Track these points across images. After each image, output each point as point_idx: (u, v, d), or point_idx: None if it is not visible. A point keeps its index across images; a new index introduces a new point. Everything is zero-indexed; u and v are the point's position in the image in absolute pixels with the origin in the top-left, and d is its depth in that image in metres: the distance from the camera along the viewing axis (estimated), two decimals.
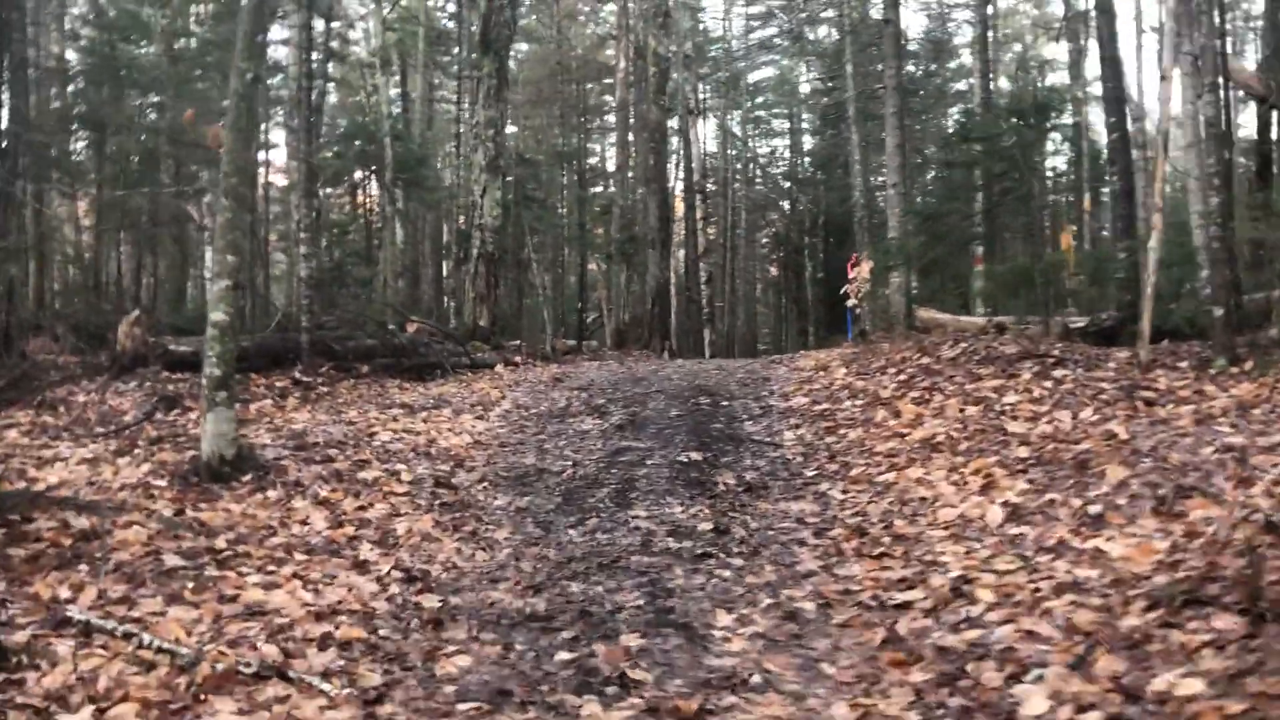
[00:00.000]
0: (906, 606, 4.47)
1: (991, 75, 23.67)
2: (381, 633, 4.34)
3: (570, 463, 7.23)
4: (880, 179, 42.95)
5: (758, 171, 46.41)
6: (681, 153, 30.26)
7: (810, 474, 6.74)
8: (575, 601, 4.68)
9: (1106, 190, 31.97)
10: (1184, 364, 7.59)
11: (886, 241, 13.71)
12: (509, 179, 18.01)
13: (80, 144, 21.77)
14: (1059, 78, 33.37)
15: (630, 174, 27.42)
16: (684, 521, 5.84)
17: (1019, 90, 25.26)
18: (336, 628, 4.36)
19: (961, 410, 7.38)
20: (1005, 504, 5.44)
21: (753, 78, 45.95)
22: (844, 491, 6.30)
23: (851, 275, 13.88)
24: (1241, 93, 15.88)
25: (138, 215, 20.13)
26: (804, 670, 3.94)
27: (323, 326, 17.85)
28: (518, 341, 17.72)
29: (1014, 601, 4.27)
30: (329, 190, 28.96)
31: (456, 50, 29.37)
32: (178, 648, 4.00)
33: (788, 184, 47.16)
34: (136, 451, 7.51)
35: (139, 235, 21.37)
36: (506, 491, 6.63)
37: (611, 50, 30.38)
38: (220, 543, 5.41)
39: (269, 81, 24.16)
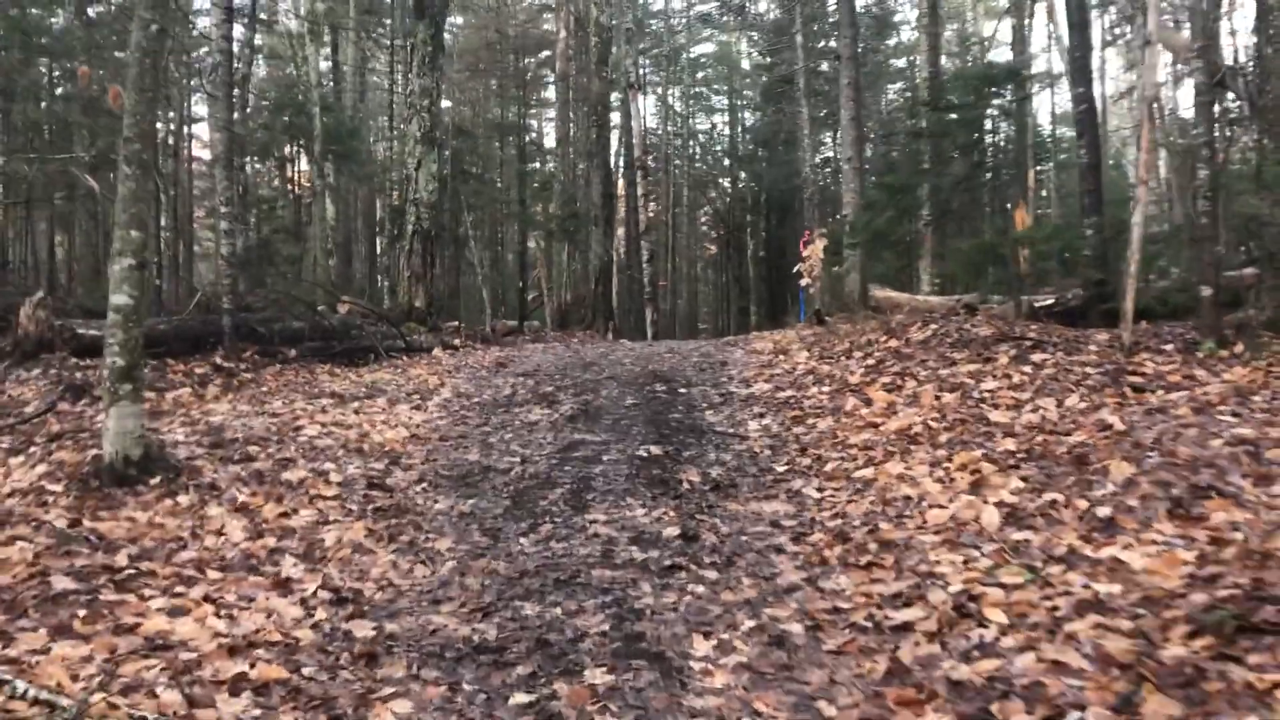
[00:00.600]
0: (907, 628, 3.95)
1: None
2: (305, 671, 3.71)
3: (518, 459, 6.62)
4: (826, 155, 42.80)
5: (698, 148, 45.93)
6: (622, 128, 29.61)
7: (781, 469, 6.21)
8: (530, 627, 4.09)
9: (1046, 167, 31.92)
10: (1169, 347, 7.20)
11: (849, 217, 13.23)
12: (445, 152, 17.21)
13: None
14: (1000, 55, 33.32)
15: (571, 149, 26.69)
16: (647, 526, 5.28)
17: (971, 65, 24.98)
18: (252, 665, 3.73)
19: (938, 398, 6.91)
20: (1000, 504, 4.96)
21: (693, 52, 45.40)
22: (819, 490, 5.77)
23: (804, 253, 13.38)
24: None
25: (50, 189, 18.96)
26: (799, 711, 3.40)
27: (247, 308, 16.95)
28: (456, 323, 16.99)
29: (1030, 623, 3.78)
30: (257, 165, 27.77)
31: (390, 21, 28.33)
32: (58, 697, 3.35)
33: (728, 161, 46.78)
34: (33, 450, 6.73)
35: (51, 211, 20.20)
36: (448, 493, 5.99)
37: (550, 22, 29.53)
38: (120, 559, 4.73)
39: (197, 53, 23.03)
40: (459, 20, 31.16)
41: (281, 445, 6.69)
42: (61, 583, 4.38)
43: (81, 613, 4.11)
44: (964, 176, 9.30)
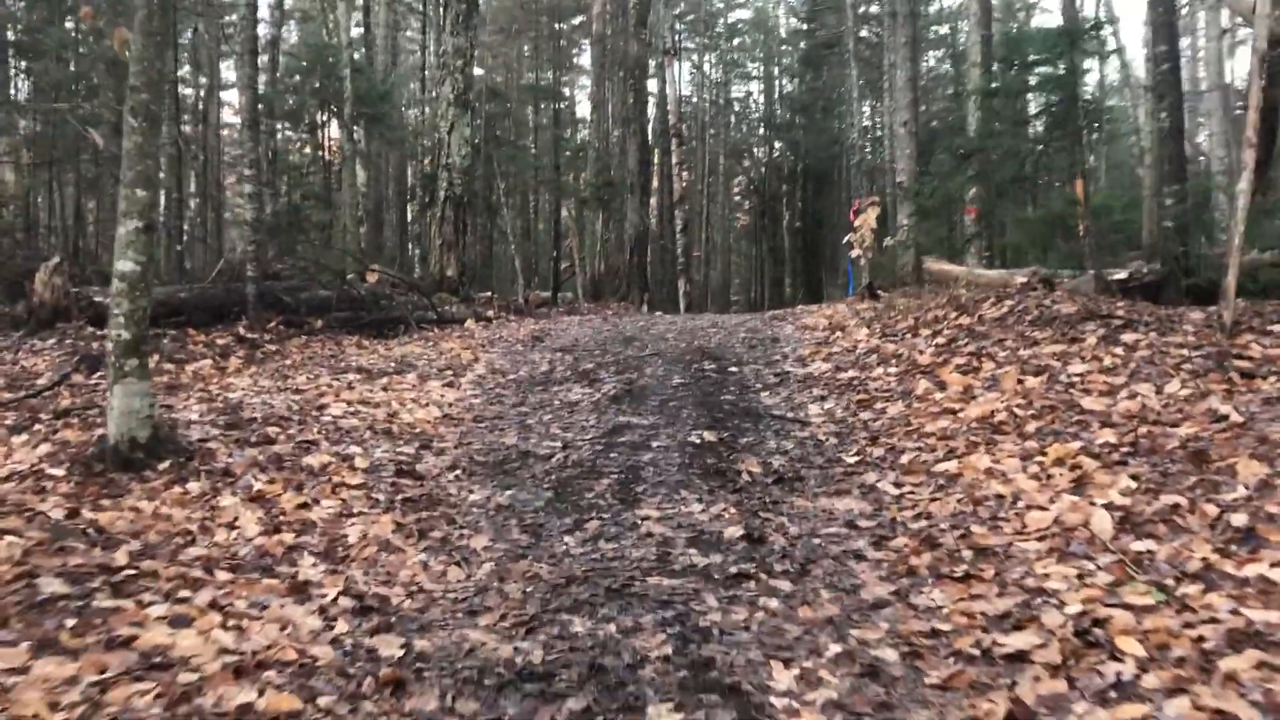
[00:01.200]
0: (1022, 659, 3.36)
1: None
2: (322, 701, 3.18)
3: (560, 444, 6.06)
4: (866, 123, 41.81)
5: (733, 117, 45.02)
6: (658, 95, 28.85)
7: (850, 460, 5.62)
8: (581, 648, 3.54)
9: (1094, 137, 30.83)
10: (1276, 327, 6.51)
11: (904, 184, 12.52)
12: (478, 118, 16.61)
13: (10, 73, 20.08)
14: (1048, 20, 32.23)
15: (607, 115, 25.98)
16: (706, 525, 4.71)
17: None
18: (261, 692, 3.20)
19: (1020, 382, 6.28)
20: (1111, 507, 4.35)
21: (730, 18, 44.45)
22: (897, 485, 5.18)
23: (855, 223, 12.72)
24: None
25: (76, 151, 18.57)
26: None
27: (275, 276, 16.51)
28: (488, 293, 16.46)
29: (1174, 658, 3.18)
30: (288, 131, 27.28)
31: None
32: None
33: (763, 130, 45.87)
34: (37, 428, 6.26)
35: (77, 174, 19.82)
36: (484, 482, 5.45)
37: None
38: (120, 557, 4.22)
39: (229, 17, 22.51)
40: None
41: (304, 426, 6.17)
42: (51, 585, 3.88)
43: (71, 622, 3.62)
44: (1046, 139, 8.59)
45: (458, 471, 5.64)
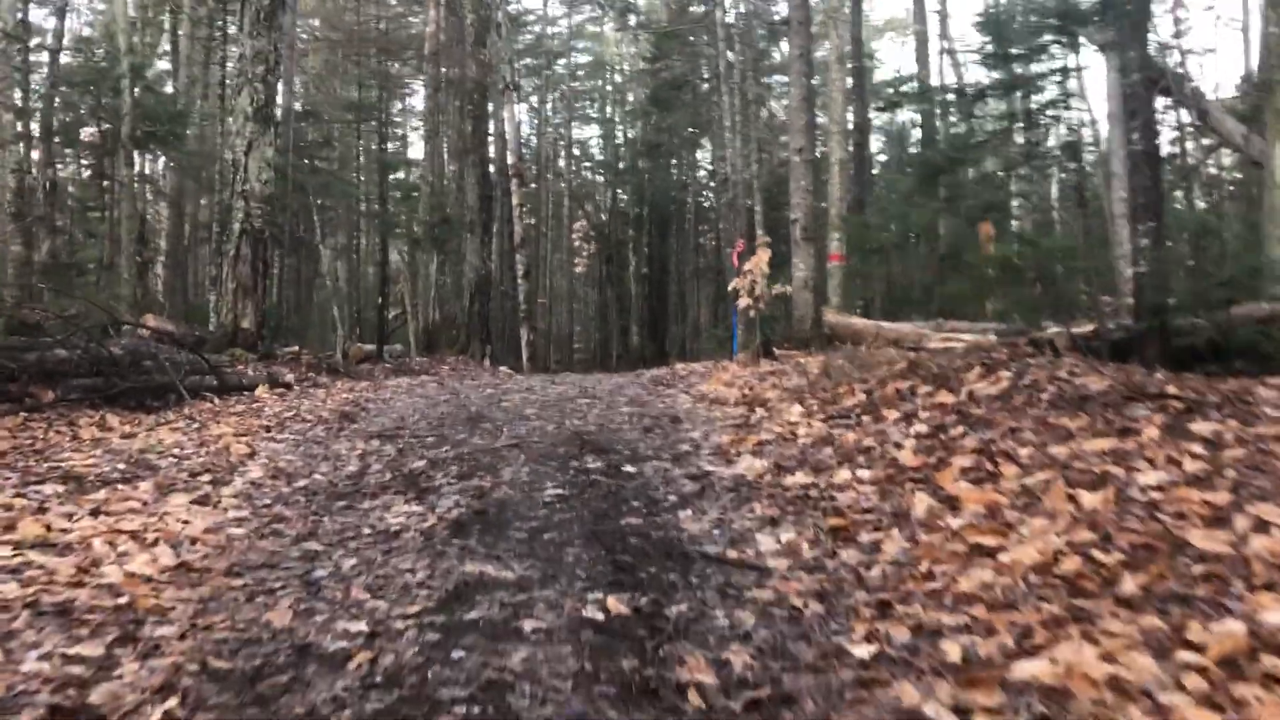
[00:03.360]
0: None
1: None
2: None
3: (365, 629, 3.56)
4: (707, 168, 40.48)
5: (573, 160, 43.17)
6: (496, 133, 26.56)
7: (860, 653, 3.35)
8: None
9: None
10: None
11: (800, 220, 10.57)
12: (283, 139, 13.88)
13: None
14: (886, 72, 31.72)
15: (444, 149, 23.43)
16: None
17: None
18: None
19: (1072, 499, 4.19)
20: None
21: (570, 59, 42.83)
22: (958, 710, 2.94)
23: (743, 267, 10.72)
24: None
25: None
26: None
27: (32, 326, 13.53)
28: (297, 349, 13.61)
29: None
30: (65, 152, 23.54)
31: None
32: None
33: (603, 176, 44.29)
34: None
35: None
36: None
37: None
38: None
39: None
40: None
41: None
42: None
43: None
44: (1026, 155, 6.72)
45: (171, 704, 3.07)
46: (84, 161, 22.85)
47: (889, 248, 8.57)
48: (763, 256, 10.76)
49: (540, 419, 7.16)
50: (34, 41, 18.96)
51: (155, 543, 4.45)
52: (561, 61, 41.73)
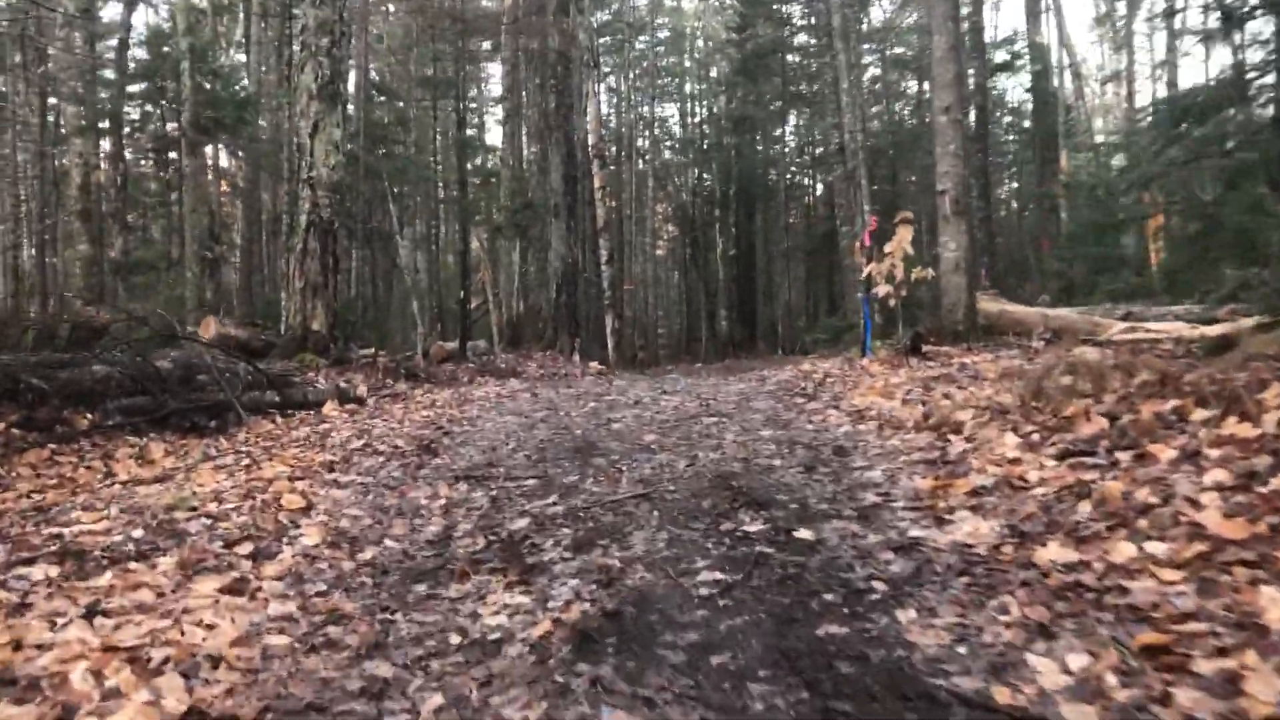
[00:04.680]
0: None
1: None
2: None
3: None
4: (793, 142, 38.70)
5: (654, 138, 41.68)
6: (576, 112, 25.18)
7: None
8: None
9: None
10: None
11: (952, 191, 8.90)
12: (351, 111, 12.66)
13: None
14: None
15: (523, 129, 22.16)
16: None
17: None
18: None
19: None
20: None
21: (649, 36, 41.36)
22: None
23: (885, 249, 9.15)
24: None
25: None
26: None
27: (98, 331, 12.69)
28: (373, 351, 12.40)
29: None
30: (136, 145, 22.84)
31: None
32: None
33: (689, 155, 42.78)
34: None
35: None
36: None
37: None
38: None
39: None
40: None
41: None
42: None
43: None
44: None
45: None
46: (150, 155, 22.10)
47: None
48: (905, 236, 9.18)
49: (664, 449, 5.74)
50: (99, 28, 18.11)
51: (161, 668, 3.14)
52: (643, 38, 40.23)
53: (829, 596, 3.45)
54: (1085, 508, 3.88)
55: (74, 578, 3.88)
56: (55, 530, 4.41)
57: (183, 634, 3.40)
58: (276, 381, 8.71)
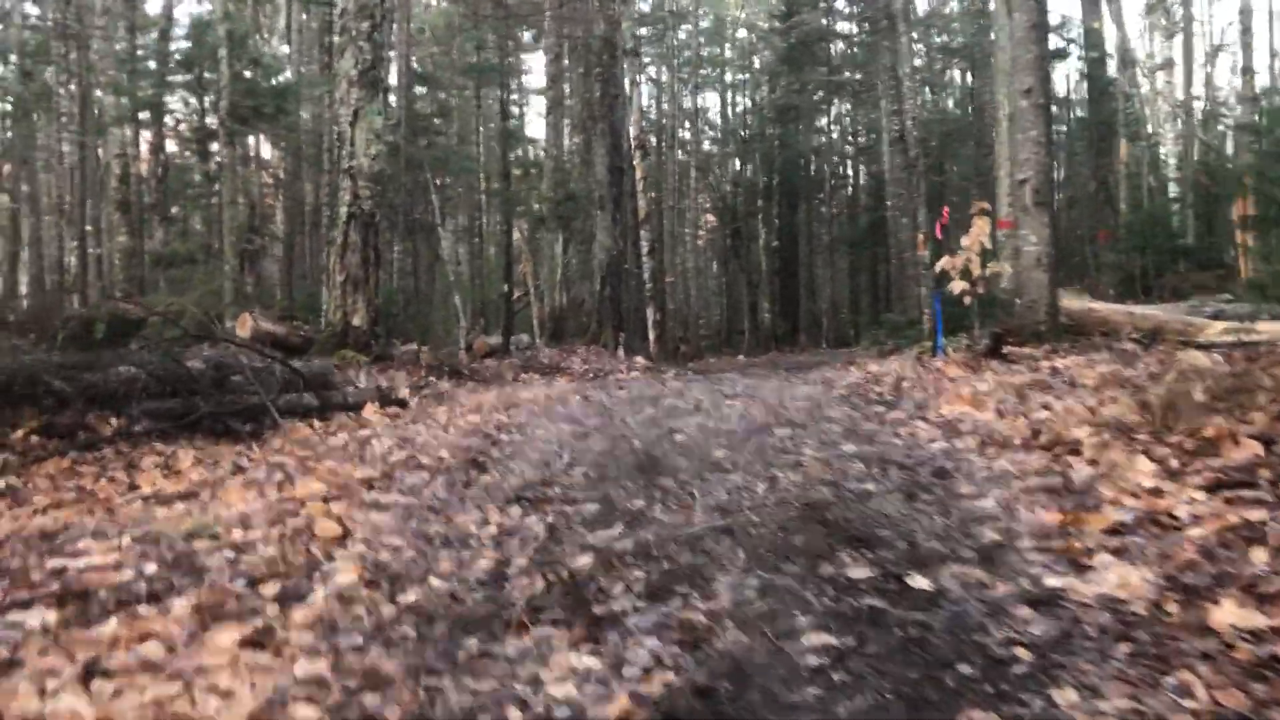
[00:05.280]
0: None
1: None
2: None
3: None
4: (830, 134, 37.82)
5: (692, 128, 40.96)
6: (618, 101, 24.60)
7: None
8: None
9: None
10: None
11: (1032, 180, 8.24)
12: (393, 101, 12.16)
13: None
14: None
15: (564, 119, 21.61)
16: None
17: None
18: None
19: None
20: None
21: (690, 25, 40.66)
22: None
23: (962, 242, 8.48)
24: None
25: None
26: None
27: (136, 325, 12.41)
28: (415, 346, 11.91)
29: None
30: (168, 137, 22.55)
31: None
32: None
33: (727, 144, 42.10)
34: None
35: None
36: None
37: None
38: None
39: None
40: None
41: None
42: None
43: None
44: None
45: None
46: (192, 146, 21.80)
47: None
48: (982, 228, 8.55)
49: (737, 466, 5.17)
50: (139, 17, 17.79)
51: None
52: (685, 27, 39.54)
53: (964, 669, 2.86)
54: (1260, 556, 3.26)
55: (74, 625, 3.38)
56: (59, 563, 3.92)
57: (194, 703, 2.88)
58: (314, 382, 8.25)
